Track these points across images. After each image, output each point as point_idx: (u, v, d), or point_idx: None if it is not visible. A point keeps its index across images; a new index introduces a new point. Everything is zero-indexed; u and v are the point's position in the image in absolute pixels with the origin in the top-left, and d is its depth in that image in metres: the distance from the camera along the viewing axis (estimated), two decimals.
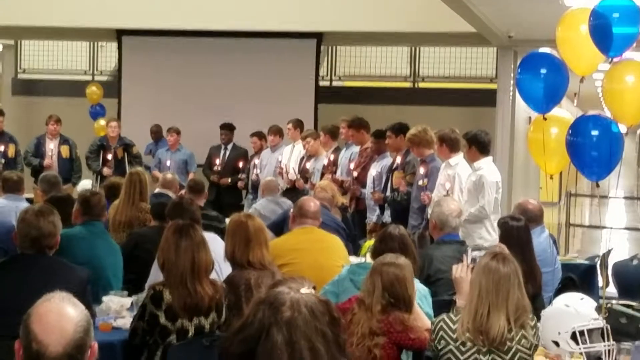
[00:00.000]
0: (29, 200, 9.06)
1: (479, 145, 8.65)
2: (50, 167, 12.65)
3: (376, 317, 4.88)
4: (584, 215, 21.15)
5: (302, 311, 2.71)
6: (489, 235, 8.56)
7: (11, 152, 13.05)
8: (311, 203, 7.07)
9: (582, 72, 7.76)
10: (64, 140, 13.44)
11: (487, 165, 8.68)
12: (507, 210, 10.64)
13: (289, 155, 12.23)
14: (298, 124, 12.56)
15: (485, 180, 8.51)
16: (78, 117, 15.45)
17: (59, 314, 2.73)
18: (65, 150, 13.36)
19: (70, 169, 13.27)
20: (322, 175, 11.10)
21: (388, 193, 9.88)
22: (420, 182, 9.17)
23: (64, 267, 5.35)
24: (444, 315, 4.69)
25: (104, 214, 6.93)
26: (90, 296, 5.27)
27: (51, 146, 13.27)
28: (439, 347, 4.59)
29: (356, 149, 11.10)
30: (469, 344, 4.53)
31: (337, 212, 9.05)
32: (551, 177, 8.60)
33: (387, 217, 9.89)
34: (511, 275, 4.54)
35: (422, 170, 9.19)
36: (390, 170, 10.01)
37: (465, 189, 8.76)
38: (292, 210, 7.16)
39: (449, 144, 9.03)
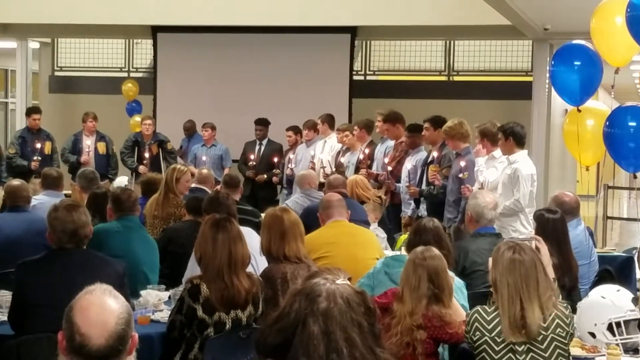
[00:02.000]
0: (67, 197, 9.13)
1: (516, 137, 8.58)
2: (87, 163, 12.76)
3: (421, 312, 4.89)
4: (622, 208, 21.01)
5: (338, 302, 2.74)
6: (524, 229, 8.51)
7: (47, 149, 13.19)
8: (332, 195, 7.29)
9: (616, 64, 7.72)
10: (100, 137, 13.56)
11: (522, 158, 8.60)
12: (543, 204, 10.59)
13: (321, 150, 12.27)
14: (327, 119, 12.59)
15: (520, 173, 8.44)
16: (114, 114, 15.57)
17: (101, 307, 2.77)
18: (101, 147, 13.48)
19: (107, 165, 13.39)
20: (357, 169, 11.10)
21: (424, 187, 9.87)
22: (460, 175, 9.14)
23: (101, 260, 5.44)
24: (478, 307, 4.68)
25: (137, 208, 6.98)
26: (127, 289, 5.34)
27: (88, 143, 13.38)
28: (474, 339, 4.59)
29: (392, 143, 11.10)
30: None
31: (373, 206, 9.09)
32: (587, 169, 8.56)
33: (423, 210, 9.87)
34: (535, 261, 4.53)
35: (462, 163, 9.16)
36: (426, 163, 10.00)
37: (500, 182, 8.72)
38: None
39: (491, 138, 8.97)
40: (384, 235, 8.79)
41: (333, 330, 2.70)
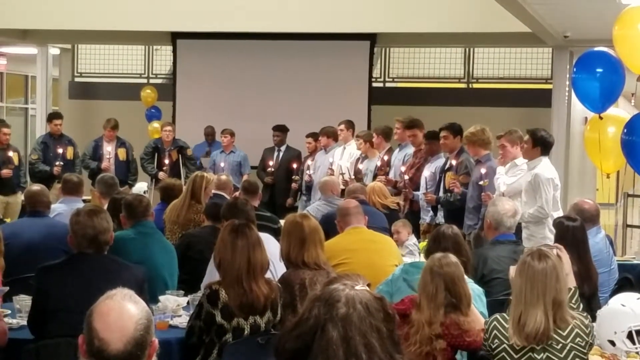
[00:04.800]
0: (86, 202, 9.15)
1: (545, 147, 8.49)
2: (107, 170, 12.81)
3: (439, 321, 4.88)
4: None
5: (357, 307, 2.74)
6: (552, 235, 8.43)
7: (70, 154, 13.25)
8: (349, 202, 7.31)
9: (639, 71, 7.69)
10: (121, 143, 13.61)
11: (541, 164, 8.51)
12: (563, 211, 10.54)
13: (340, 156, 12.26)
14: (350, 125, 12.59)
15: (540, 179, 8.33)
16: (133, 120, 15.62)
17: (120, 312, 2.78)
18: (122, 153, 13.53)
19: (127, 171, 13.44)
20: (375, 176, 11.09)
21: (441, 194, 9.85)
22: (480, 182, 9.10)
23: (121, 265, 5.45)
24: (497, 315, 4.68)
25: (151, 213, 6.97)
26: (147, 294, 5.34)
27: (108, 149, 13.44)
28: (493, 347, 4.58)
29: (410, 150, 11.08)
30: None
31: (402, 222, 9.13)
32: (608, 176, 8.52)
33: (440, 218, 9.86)
34: (547, 271, 4.50)
35: (482, 170, 9.12)
36: (443, 170, 9.98)
37: (523, 191, 8.67)
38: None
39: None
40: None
41: (352, 336, 2.70)
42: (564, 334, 4.48)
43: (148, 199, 7.33)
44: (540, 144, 8.47)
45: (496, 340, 4.57)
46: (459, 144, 9.86)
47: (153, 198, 11.90)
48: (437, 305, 4.91)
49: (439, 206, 9.94)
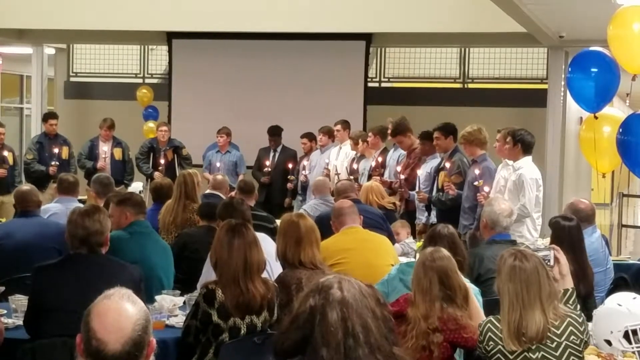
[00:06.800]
0: (82, 202, 9.14)
1: (524, 145, 8.67)
2: (103, 169, 12.80)
3: (436, 315, 4.88)
4: (637, 216, 20.94)
5: (351, 290, 2.83)
6: (529, 235, 8.55)
7: (65, 154, 13.24)
8: (343, 202, 7.31)
9: (633, 71, 7.70)
10: (117, 143, 13.61)
11: (526, 164, 8.71)
12: (558, 211, 10.57)
13: (336, 157, 12.26)
14: (347, 125, 12.60)
15: (524, 178, 8.56)
16: (129, 120, 15.59)
17: (118, 312, 2.77)
18: (118, 153, 13.53)
19: (122, 171, 13.44)
20: (370, 176, 11.08)
21: (434, 193, 9.86)
22: (475, 183, 9.12)
23: (117, 265, 5.45)
24: (491, 317, 4.67)
25: (145, 211, 6.97)
26: (144, 294, 5.33)
27: (105, 148, 13.43)
28: (488, 349, 4.58)
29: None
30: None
31: (401, 223, 9.15)
32: (603, 176, 8.56)
33: (433, 217, 9.87)
34: (538, 268, 4.50)
35: (476, 171, 9.14)
36: (437, 170, 9.99)
37: (506, 189, 8.77)
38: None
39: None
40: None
41: (349, 316, 2.77)
42: (558, 332, 4.48)
43: (141, 197, 7.32)
44: (520, 143, 8.65)
45: (491, 343, 4.56)
46: (452, 144, 9.90)
47: (148, 198, 11.89)
48: (432, 298, 4.91)
49: (432, 205, 9.95)
